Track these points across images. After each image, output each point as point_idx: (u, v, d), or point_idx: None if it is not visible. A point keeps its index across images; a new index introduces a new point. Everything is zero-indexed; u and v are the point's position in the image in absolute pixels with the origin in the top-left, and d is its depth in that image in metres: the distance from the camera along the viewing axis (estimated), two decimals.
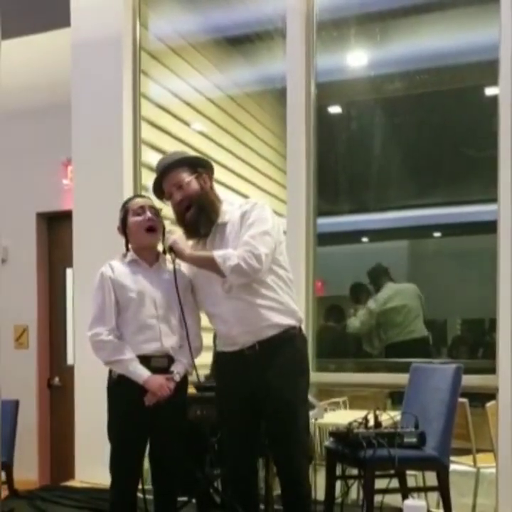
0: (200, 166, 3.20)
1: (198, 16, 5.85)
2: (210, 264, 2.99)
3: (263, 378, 3.02)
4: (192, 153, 3.39)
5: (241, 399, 3.09)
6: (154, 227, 3.18)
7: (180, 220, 3.15)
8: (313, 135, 4.85)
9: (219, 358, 3.26)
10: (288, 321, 3.07)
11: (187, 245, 3.11)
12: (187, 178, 3.13)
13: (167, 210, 3.28)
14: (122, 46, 5.28)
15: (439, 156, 5.98)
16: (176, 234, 3.12)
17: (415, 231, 6.68)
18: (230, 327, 3.07)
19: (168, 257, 3.19)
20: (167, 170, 3.16)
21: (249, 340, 3.04)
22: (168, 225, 3.27)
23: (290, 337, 3.08)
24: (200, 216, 3.11)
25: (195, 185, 3.13)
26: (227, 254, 2.94)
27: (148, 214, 3.19)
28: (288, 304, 3.09)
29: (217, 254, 2.96)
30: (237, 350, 3.08)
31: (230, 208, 3.16)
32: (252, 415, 3.11)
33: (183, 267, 3.21)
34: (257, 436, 3.17)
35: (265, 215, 3.05)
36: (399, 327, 5.72)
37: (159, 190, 3.21)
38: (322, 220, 5.02)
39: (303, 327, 3.22)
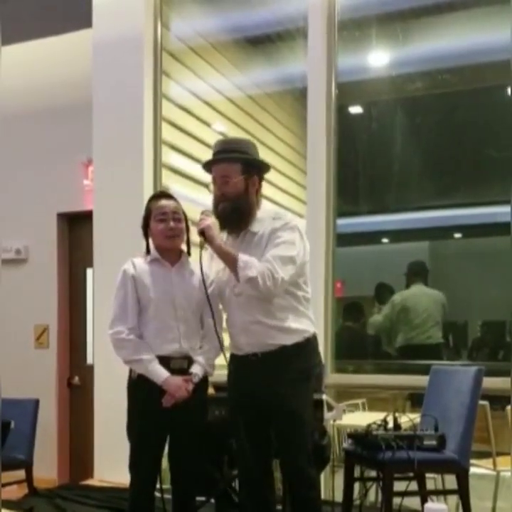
0: (255, 166, 3.15)
1: (219, 16, 5.85)
2: (231, 263, 2.99)
3: (266, 384, 3.05)
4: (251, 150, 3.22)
5: (248, 400, 3.11)
6: (175, 235, 3.18)
7: (215, 209, 3.13)
8: (334, 135, 4.84)
9: (230, 358, 3.26)
10: (294, 340, 3.07)
11: (219, 235, 3.06)
12: (236, 176, 3.08)
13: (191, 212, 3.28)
14: (143, 47, 5.29)
15: (460, 157, 5.93)
16: (210, 219, 3.07)
17: (436, 232, 6.62)
18: (238, 333, 3.11)
19: (193, 258, 3.19)
20: (221, 159, 3.12)
21: (252, 350, 3.08)
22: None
23: (296, 349, 3.07)
24: (231, 216, 3.08)
25: (240, 186, 3.08)
26: (250, 263, 2.93)
27: (171, 223, 3.17)
28: (297, 326, 3.08)
29: (242, 258, 2.95)
30: (242, 354, 3.12)
31: (264, 216, 3.11)
32: (260, 417, 3.11)
33: (205, 266, 3.19)
34: (268, 437, 3.16)
35: (294, 238, 3.02)
36: (415, 330, 5.68)
37: (209, 168, 3.17)
38: (342, 221, 5.01)
39: (315, 338, 3.19)
